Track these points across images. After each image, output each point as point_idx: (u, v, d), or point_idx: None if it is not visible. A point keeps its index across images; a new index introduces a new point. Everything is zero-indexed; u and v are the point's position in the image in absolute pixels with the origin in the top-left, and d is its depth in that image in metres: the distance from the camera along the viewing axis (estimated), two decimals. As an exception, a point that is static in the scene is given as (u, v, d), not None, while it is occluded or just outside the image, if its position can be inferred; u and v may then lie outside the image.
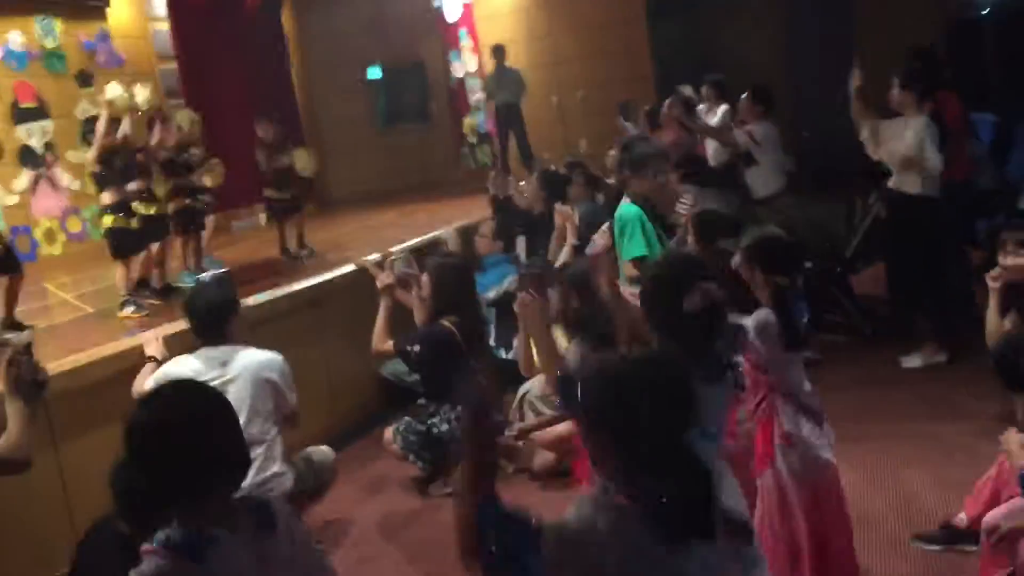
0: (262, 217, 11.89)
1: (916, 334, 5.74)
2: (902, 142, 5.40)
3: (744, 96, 6.95)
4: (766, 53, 12.64)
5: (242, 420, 3.84)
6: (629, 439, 1.78)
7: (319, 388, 5.99)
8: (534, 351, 4.80)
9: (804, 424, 3.13)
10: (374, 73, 13.91)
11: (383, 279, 5.02)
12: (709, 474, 1.77)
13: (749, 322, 3.03)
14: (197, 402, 2.03)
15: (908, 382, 5.47)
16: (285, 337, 5.76)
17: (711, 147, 7.49)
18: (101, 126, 6.16)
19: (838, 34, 12.82)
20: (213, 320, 4.13)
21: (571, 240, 5.29)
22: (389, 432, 5.11)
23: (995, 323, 4.59)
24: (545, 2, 13.54)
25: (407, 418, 5.09)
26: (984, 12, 13.19)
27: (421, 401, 5.12)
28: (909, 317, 5.83)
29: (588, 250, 5.27)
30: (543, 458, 4.99)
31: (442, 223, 9.15)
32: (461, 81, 13.25)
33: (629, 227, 4.51)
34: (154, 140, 6.77)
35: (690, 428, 1.80)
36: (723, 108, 7.62)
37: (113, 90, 6.24)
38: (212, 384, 3.90)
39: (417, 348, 4.84)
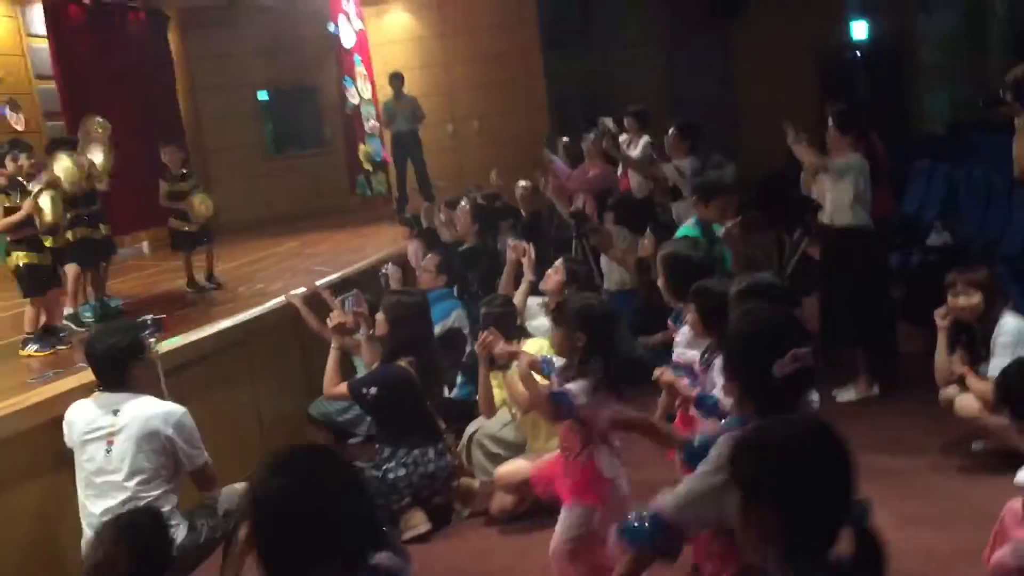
0: (145, 245, 11.37)
1: (848, 368, 5.88)
2: (845, 187, 5.56)
3: (671, 131, 7.03)
4: (649, 84, 12.93)
5: (120, 477, 3.70)
6: (803, 514, 1.68)
7: (250, 431, 5.69)
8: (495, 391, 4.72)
9: None
10: (262, 97, 13.52)
11: (335, 317, 4.81)
12: (880, 545, 1.69)
13: None
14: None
15: (847, 415, 5.57)
16: (212, 379, 5.47)
17: (634, 180, 7.55)
18: (21, 214, 5.60)
19: (713, 64, 13.32)
20: (113, 365, 3.90)
21: (529, 276, 5.19)
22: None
23: (944, 361, 4.76)
24: (440, 31, 13.51)
25: (358, 463, 4.85)
26: (856, 54, 13.90)
27: (376, 445, 4.92)
28: (839, 351, 5.96)
29: (542, 286, 5.22)
30: (501, 500, 4.84)
31: (350, 253, 8.93)
32: (356, 108, 13.01)
33: None
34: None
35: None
36: (644, 140, 7.68)
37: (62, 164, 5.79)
38: (101, 432, 3.76)
39: (374, 390, 4.64)
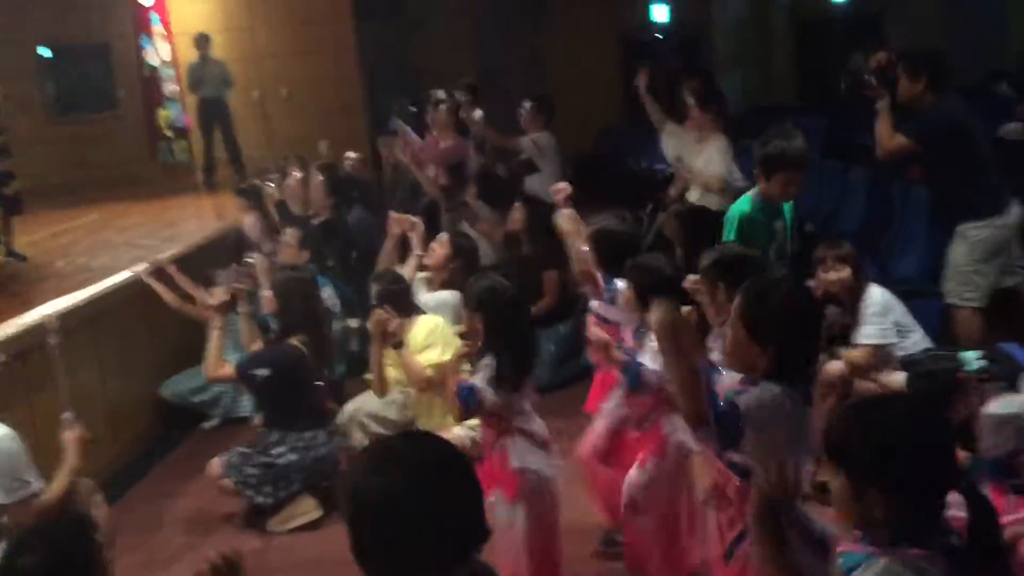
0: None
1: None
2: (709, 162, 5.75)
3: (528, 105, 7.03)
4: (460, 59, 12.91)
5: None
6: (920, 492, 1.71)
7: (96, 418, 5.21)
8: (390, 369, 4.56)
9: None
10: (44, 53, 12.36)
11: (218, 295, 4.48)
12: (994, 512, 1.75)
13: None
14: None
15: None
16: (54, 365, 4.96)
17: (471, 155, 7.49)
18: None
19: (521, 40, 13.48)
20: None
21: (417, 251, 5.04)
22: (217, 465, 4.54)
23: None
24: (243, -7, 12.83)
25: (240, 449, 4.57)
26: (659, 35, 14.46)
27: (260, 428, 4.64)
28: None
29: (426, 260, 5.09)
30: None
31: (167, 226, 8.36)
32: (155, 70, 12.16)
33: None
34: None
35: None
36: (479, 113, 7.59)
37: None
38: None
39: (265, 371, 4.37)
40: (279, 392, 4.44)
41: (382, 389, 4.62)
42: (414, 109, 7.94)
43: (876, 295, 4.76)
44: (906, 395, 2.14)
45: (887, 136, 4.87)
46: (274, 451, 4.48)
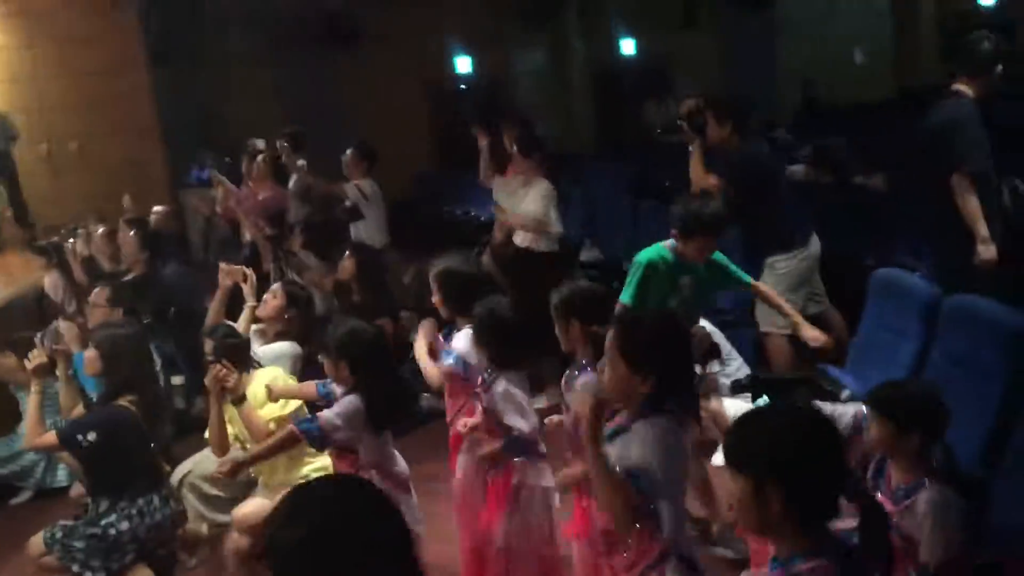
0: None
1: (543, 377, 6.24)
2: (530, 204, 5.92)
3: (349, 152, 7.00)
4: (263, 107, 12.74)
5: None
6: (815, 490, 1.82)
7: None
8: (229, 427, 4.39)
9: None
10: None
11: (36, 357, 4.19)
12: (882, 509, 1.87)
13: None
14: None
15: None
16: None
17: (293, 205, 7.38)
18: None
19: (326, 89, 13.44)
20: None
21: (251, 302, 4.88)
22: (37, 542, 4.22)
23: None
24: (28, 42, 12.12)
25: (64, 522, 4.26)
26: (462, 86, 14.80)
27: (84, 498, 4.34)
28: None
29: (259, 312, 4.96)
30: (237, 543, 4.49)
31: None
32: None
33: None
34: None
35: None
36: (302, 162, 7.50)
37: None
38: None
39: (92, 436, 4.10)
40: (108, 457, 4.17)
41: (222, 448, 4.44)
42: (228, 160, 7.74)
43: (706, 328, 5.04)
44: (798, 406, 2.27)
45: (700, 176, 5.18)
46: (103, 521, 4.19)
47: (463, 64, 14.47)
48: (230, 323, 4.69)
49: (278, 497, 4.29)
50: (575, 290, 3.36)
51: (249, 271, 4.96)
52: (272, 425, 4.32)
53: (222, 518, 4.73)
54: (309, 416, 3.34)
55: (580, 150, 13.84)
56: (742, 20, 14.44)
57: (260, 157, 7.01)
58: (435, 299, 3.99)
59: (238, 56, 13.28)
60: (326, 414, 3.39)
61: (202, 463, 4.88)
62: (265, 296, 4.97)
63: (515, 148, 6.11)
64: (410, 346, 5.92)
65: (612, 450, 2.46)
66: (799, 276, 5.24)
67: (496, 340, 3.45)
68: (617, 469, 2.38)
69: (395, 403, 3.54)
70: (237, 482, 4.81)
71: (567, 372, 3.28)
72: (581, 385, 3.11)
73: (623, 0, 14.81)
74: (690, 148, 5.24)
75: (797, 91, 14.67)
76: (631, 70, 15.39)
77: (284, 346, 4.89)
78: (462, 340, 3.82)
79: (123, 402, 4.21)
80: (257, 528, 4.44)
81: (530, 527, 3.51)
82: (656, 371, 2.38)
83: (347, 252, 5.80)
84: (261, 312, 4.93)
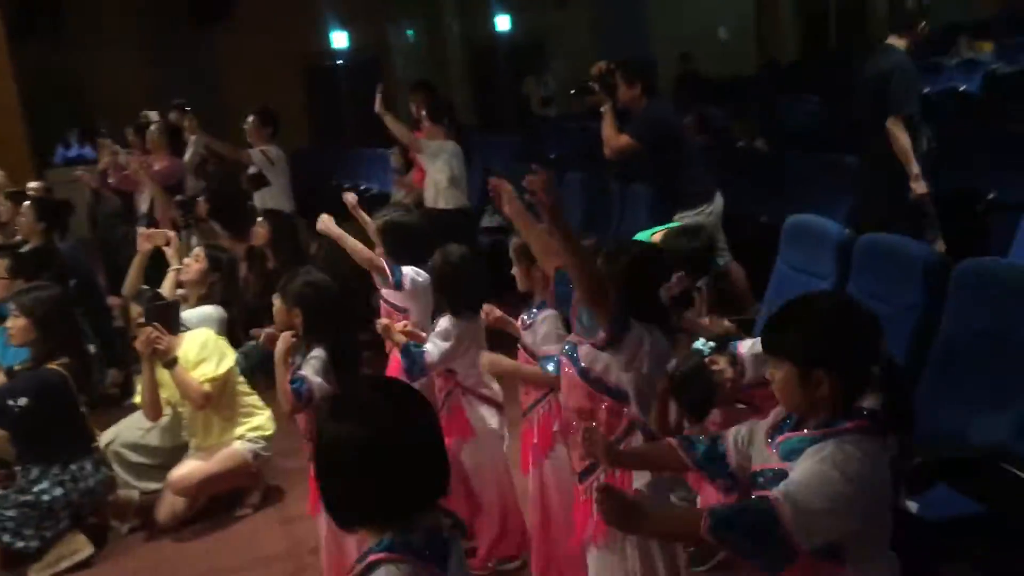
0: None
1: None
2: (441, 167, 6.04)
3: (250, 118, 6.91)
4: (133, 83, 12.35)
5: None
6: (855, 370, 2.01)
7: None
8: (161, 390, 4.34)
9: None
10: None
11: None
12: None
13: None
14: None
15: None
16: None
17: (188, 178, 7.24)
18: None
19: (199, 67, 13.12)
20: None
21: (175, 265, 4.80)
22: (-37, 515, 4.08)
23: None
24: None
25: (-5, 492, 4.14)
26: (338, 61, 14.67)
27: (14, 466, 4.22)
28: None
29: (182, 276, 4.91)
30: (172, 506, 4.46)
31: None
32: None
33: None
34: None
35: None
36: (195, 137, 7.35)
37: None
38: None
39: (23, 401, 4.00)
40: (40, 422, 4.07)
41: (155, 412, 4.40)
42: (104, 131, 7.47)
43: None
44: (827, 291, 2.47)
45: (613, 136, 5.38)
46: (35, 488, 4.10)
47: (339, 39, 14.32)
48: (151, 288, 4.62)
49: (213, 459, 4.36)
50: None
51: (172, 234, 4.89)
52: (207, 386, 4.31)
53: (152, 485, 4.68)
54: (301, 376, 3.30)
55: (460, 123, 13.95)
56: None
57: (154, 127, 6.83)
58: (378, 251, 4.06)
59: (105, 30, 12.79)
60: (309, 375, 3.31)
61: (124, 432, 4.81)
62: (186, 260, 4.91)
63: (424, 114, 6.19)
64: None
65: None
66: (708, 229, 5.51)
67: (455, 285, 3.56)
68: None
69: (354, 350, 3.59)
70: (162, 448, 4.79)
71: (524, 312, 3.42)
72: (542, 318, 3.27)
73: (498, -23, 14.98)
74: (601, 109, 5.43)
75: (668, 66, 15.15)
76: (507, 46, 15.59)
77: (209, 309, 4.85)
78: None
79: (54, 365, 4.11)
80: (194, 488, 4.45)
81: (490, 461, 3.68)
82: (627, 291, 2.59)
83: (260, 218, 5.75)
84: (184, 276, 4.87)
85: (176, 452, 4.72)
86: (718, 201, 5.56)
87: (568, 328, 3.30)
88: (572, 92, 5.66)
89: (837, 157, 6.17)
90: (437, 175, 6.13)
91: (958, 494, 2.94)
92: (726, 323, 3.58)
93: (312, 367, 3.27)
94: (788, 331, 2.05)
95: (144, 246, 4.91)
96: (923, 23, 5.20)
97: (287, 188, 6.94)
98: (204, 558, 4.28)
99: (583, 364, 2.70)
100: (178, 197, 6.04)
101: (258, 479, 4.62)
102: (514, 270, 3.42)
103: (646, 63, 5.64)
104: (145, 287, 4.68)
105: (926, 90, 10.59)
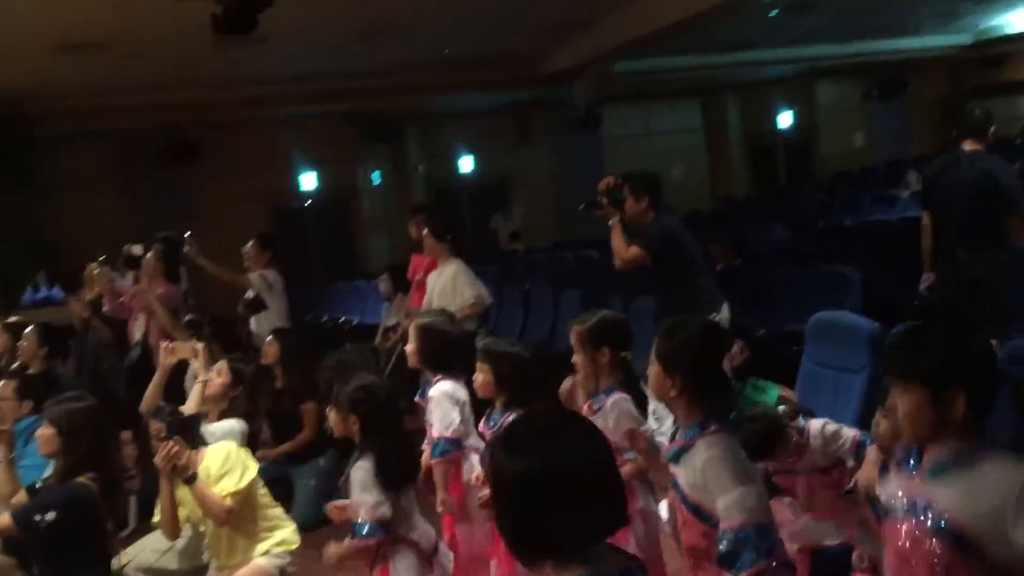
0: None
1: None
2: (464, 287, 6.10)
3: (250, 243, 6.95)
4: (101, 229, 12.34)
5: None
6: (986, 391, 2.07)
7: None
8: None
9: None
10: None
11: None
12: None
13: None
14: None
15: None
16: None
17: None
18: None
19: (172, 208, 13.16)
20: None
21: (204, 376, 4.71)
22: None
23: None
24: None
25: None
26: (306, 203, 14.89)
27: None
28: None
29: (208, 391, 4.82)
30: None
31: None
32: None
33: None
34: None
35: None
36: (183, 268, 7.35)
37: None
38: None
39: (51, 516, 3.82)
40: (65, 539, 3.88)
41: (174, 531, 4.23)
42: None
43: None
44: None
45: (623, 248, 5.51)
46: (58, 612, 3.89)
47: (308, 181, 14.56)
48: (169, 405, 4.52)
49: None
50: (604, 317, 3.53)
51: (200, 345, 4.82)
52: (229, 501, 4.17)
53: (166, 609, 4.46)
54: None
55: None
56: (572, 138, 15.36)
57: (151, 254, 6.80)
58: (409, 348, 4.04)
59: (73, 177, 12.87)
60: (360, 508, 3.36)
61: (140, 555, 4.60)
62: (210, 374, 4.83)
63: (426, 233, 6.26)
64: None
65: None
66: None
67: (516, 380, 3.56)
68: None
69: (406, 459, 3.53)
70: (180, 571, 4.60)
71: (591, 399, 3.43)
72: (612, 404, 3.29)
73: (462, 122, 15.45)
74: (609, 223, 5.58)
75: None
76: (469, 186, 16.01)
77: (233, 423, 4.73)
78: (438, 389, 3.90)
79: (83, 480, 3.96)
80: (219, 611, 4.25)
81: None
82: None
83: (270, 336, 5.72)
84: (208, 391, 4.78)
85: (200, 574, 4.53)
86: (725, 311, 5.67)
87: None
88: (581, 207, 5.76)
89: (836, 268, 6.39)
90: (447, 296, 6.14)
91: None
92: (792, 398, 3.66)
93: (359, 482, 3.28)
94: (918, 353, 2.08)
95: (168, 360, 4.82)
96: (993, 127, 5.61)
97: (284, 313, 6.93)
98: None
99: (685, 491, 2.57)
100: (188, 317, 5.99)
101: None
102: (575, 358, 3.44)
103: (653, 177, 5.81)
104: (163, 403, 4.58)
105: (881, 218, 11.16)
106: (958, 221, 5.47)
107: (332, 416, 3.49)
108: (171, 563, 4.59)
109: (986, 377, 2.09)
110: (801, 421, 3.36)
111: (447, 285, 6.18)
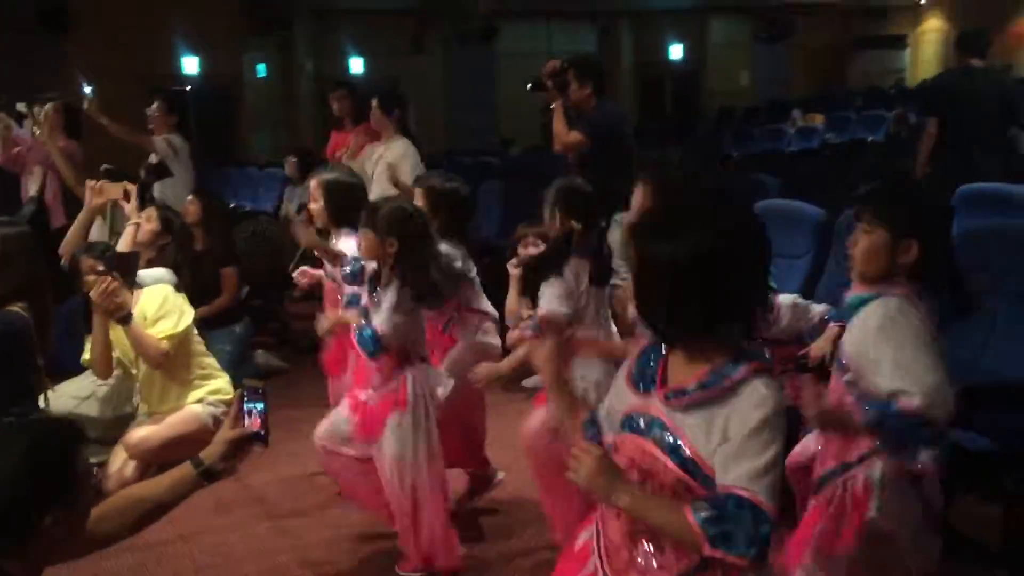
0: None
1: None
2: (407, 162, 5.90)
3: (154, 104, 6.57)
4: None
5: None
6: (940, 241, 2.31)
7: None
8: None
9: None
10: None
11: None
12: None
13: None
14: None
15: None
16: None
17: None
18: None
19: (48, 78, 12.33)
20: None
21: (135, 218, 4.42)
22: None
23: (514, 304, 5.44)
24: None
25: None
26: (187, 88, 14.22)
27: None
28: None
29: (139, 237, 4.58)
30: (120, 474, 4.05)
31: None
32: None
33: None
34: None
35: None
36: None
37: None
38: None
39: (-22, 343, 3.56)
40: (-4, 367, 3.64)
41: (106, 370, 4.05)
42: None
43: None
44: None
45: (563, 132, 5.50)
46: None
47: (190, 65, 13.86)
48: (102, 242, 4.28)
49: (171, 422, 4.06)
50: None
51: (132, 186, 4.54)
52: (165, 344, 4.02)
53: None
54: (371, 330, 3.28)
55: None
56: (466, 51, 15.16)
57: (49, 106, 6.29)
58: (316, 207, 3.98)
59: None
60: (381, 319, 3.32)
61: (57, 401, 4.34)
62: (139, 221, 4.57)
63: (375, 105, 6.00)
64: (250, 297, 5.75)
65: None
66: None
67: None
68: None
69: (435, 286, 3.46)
70: (100, 419, 4.42)
71: None
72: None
73: (355, 21, 14.99)
74: (551, 106, 5.56)
75: (513, 117, 15.66)
76: (357, 84, 15.60)
77: (162, 272, 4.51)
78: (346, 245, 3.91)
79: (15, 307, 3.70)
80: (152, 453, 4.10)
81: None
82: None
83: (191, 196, 5.45)
84: (139, 238, 4.53)
85: (114, 425, 4.36)
86: (655, 205, 5.76)
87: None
88: (528, 87, 5.70)
89: (755, 175, 6.60)
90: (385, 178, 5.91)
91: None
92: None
93: (387, 308, 3.26)
94: (889, 200, 2.32)
95: (97, 200, 4.52)
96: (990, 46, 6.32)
97: (190, 182, 6.59)
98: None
99: None
100: (104, 166, 5.61)
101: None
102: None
103: (598, 64, 5.80)
104: (97, 240, 4.32)
105: (773, 150, 11.54)
106: (974, 128, 6.04)
107: (367, 239, 3.35)
108: (91, 410, 4.41)
109: (941, 235, 2.33)
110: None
111: (396, 159, 5.96)
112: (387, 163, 5.82)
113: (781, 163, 8.96)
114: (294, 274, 4.31)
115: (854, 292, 2.38)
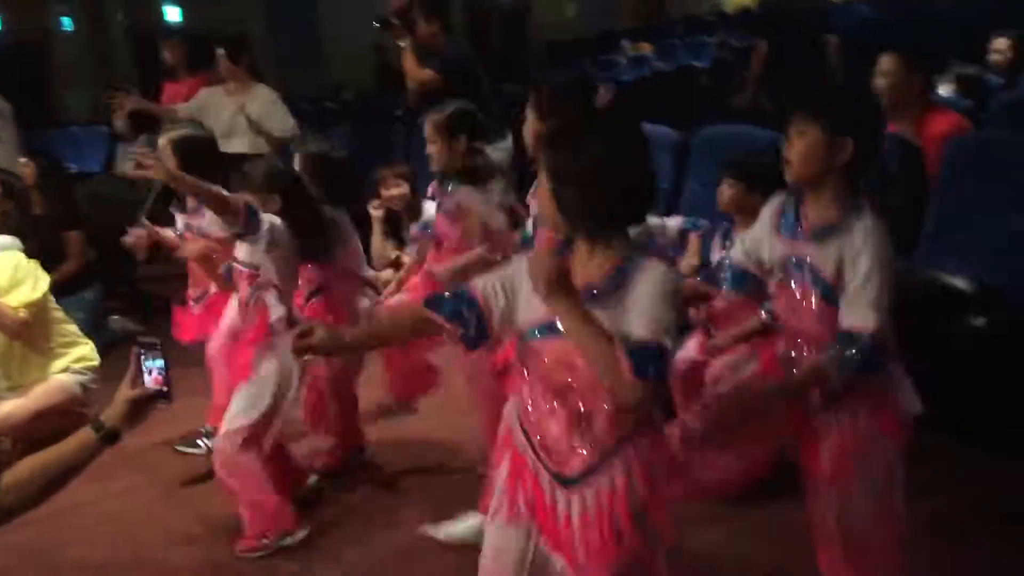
0: None
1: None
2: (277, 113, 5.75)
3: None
4: None
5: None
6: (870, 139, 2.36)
7: None
8: None
9: None
10: None
11: None
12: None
13: None
14: None
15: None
16: None
17: None
18: None
19: None
20: None
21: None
22: None
23: (380, 246, 5.42)
24: None
25: None
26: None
27: None
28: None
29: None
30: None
31: None
32: None
33: None
34: None
35: None
36: None
37: None
38: None
39: None
40: None
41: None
42: None
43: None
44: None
45: (415, 70, 5.46)
46: None
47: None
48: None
49: (36, 394, 3.90)
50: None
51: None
52: (23, 312, 3.82)
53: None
54: None
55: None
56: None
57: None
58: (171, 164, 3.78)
59: None
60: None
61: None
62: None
63: (222, 56, 5.76)
64: (98, 261, 5.48)
65: None
66: (500, 164, 5.74)
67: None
68: None
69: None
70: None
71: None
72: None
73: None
74: (401, 45, 5.49)
75: (338, 59, 15.37)
76: (172, 34, 14.88)
77: (7, 239, 4.24)
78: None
79: None
80: (21, 428, 3.91)
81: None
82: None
83: (24, 159, 5.11)
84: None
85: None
86: (510, 138, 5.81)
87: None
88: (376, 24, 5.63)
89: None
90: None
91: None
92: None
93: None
94: (823, 99, 2.36)
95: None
96: None
97: (17, 146, 6.17)
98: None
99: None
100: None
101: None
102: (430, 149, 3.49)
103: (443, 0, 5.75)
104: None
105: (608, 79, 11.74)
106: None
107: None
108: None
109: (873, 132, 2.38)
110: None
111: (267, 108, 5.77)
112: (250, 116, 5.65)
113: (620, 92, 9.13)
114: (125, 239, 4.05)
115: (816, 222, 2.31)
